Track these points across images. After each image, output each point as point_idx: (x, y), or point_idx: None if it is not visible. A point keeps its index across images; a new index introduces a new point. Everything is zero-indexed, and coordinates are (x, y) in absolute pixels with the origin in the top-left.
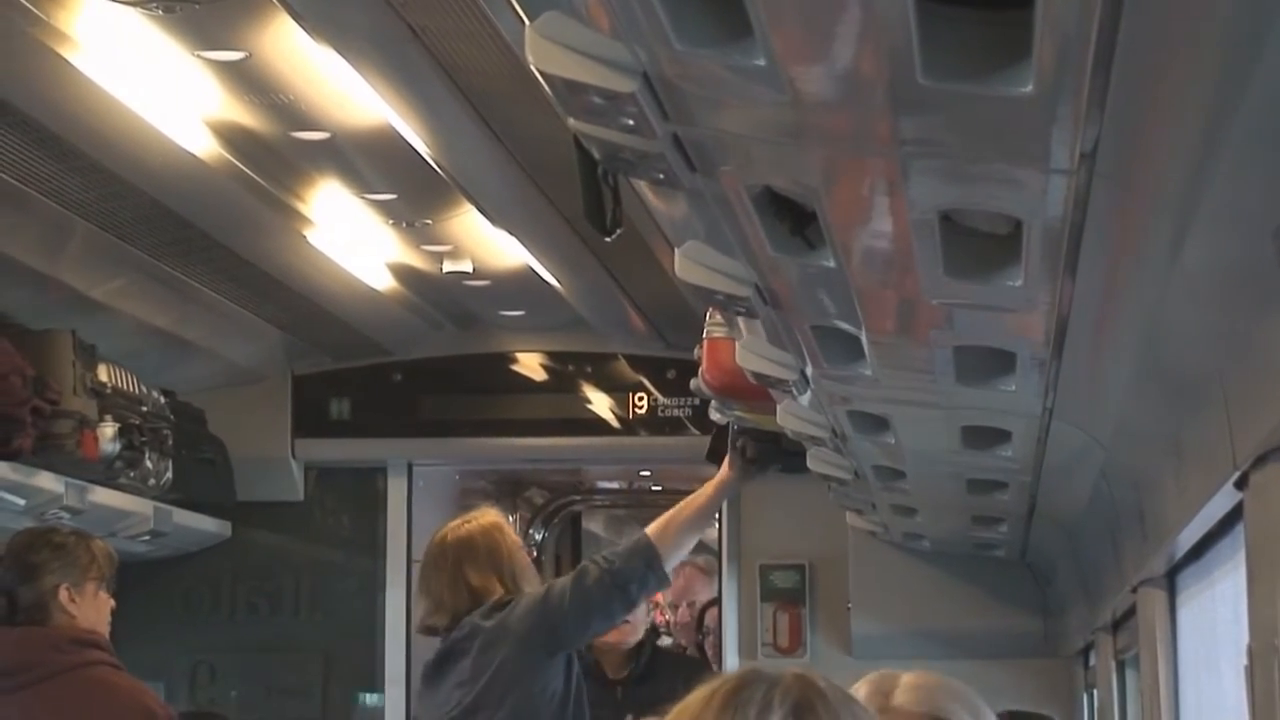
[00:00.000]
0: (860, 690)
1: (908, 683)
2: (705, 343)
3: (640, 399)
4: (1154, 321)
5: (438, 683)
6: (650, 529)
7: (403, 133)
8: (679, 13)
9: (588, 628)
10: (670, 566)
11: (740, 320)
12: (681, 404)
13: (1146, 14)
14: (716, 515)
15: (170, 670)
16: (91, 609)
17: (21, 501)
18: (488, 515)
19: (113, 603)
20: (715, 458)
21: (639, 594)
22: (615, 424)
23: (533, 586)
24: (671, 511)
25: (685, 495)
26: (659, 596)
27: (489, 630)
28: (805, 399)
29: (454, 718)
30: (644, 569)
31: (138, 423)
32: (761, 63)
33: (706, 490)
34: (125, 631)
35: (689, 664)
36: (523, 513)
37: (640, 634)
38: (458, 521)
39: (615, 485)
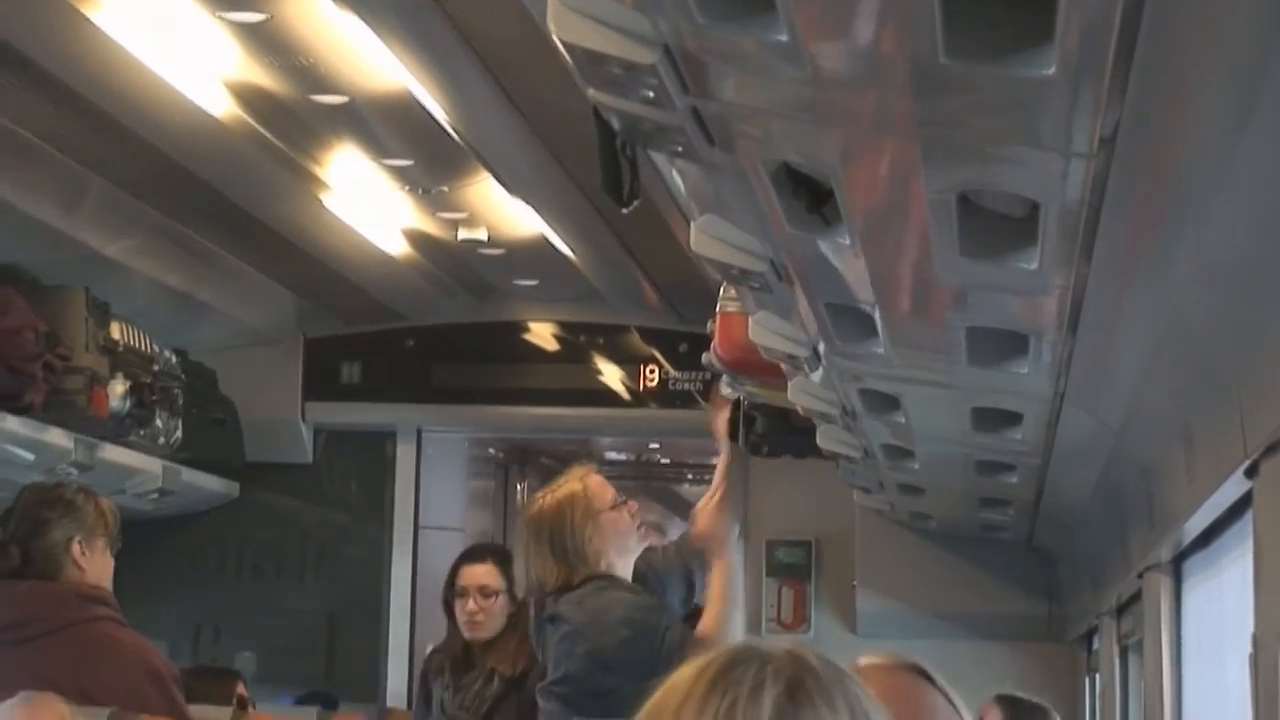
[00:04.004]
0: None
1: (870, 652)
2: (718, 317)
3: (651, 371)
4: (1168, 308)
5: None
6: (705, 622)
7: (421, 99)
8: None
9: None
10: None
11: (754, 295)
12: (693, 378)
13: (1169, 1)
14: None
15: (174, 629)
16: (100, 565)
17: (31, 457)
18: (565, 485)
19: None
20: (735, 439)
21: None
22: (626, 396)
23: (618, 550)
24: (718, 603)
25: (693, 469)
26: None
27: (580, 625)
28: (817, 376)
29: (539, 688)
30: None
31: (149, 381)
32: (783, 38)
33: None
34: (130, 589)
35: None
36: (530, 482)
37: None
38: (541, 493)
39: (624, 457)
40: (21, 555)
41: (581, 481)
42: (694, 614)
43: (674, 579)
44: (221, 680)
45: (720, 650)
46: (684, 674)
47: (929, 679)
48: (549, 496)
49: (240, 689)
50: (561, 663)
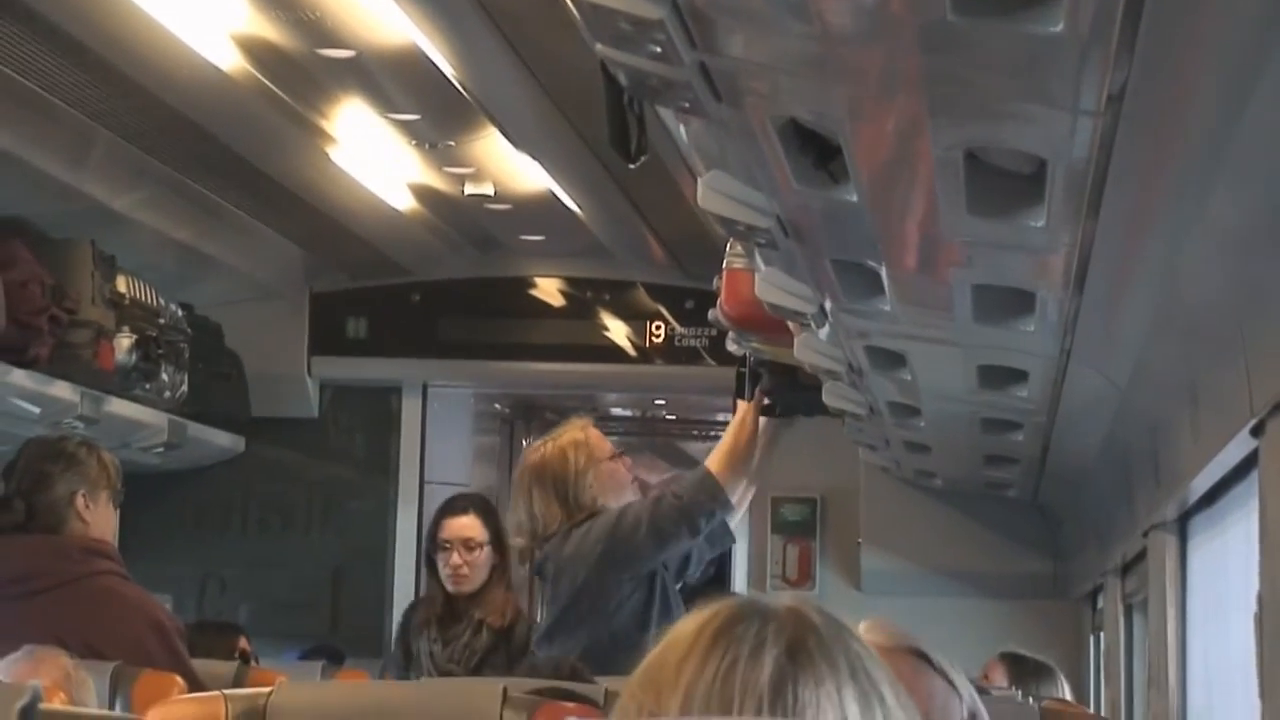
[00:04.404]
0: None
1: (870, 624)
2: (725, 273)
3: (658, 328)
4: (1175, 266)
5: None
6: (710, 460)
7: (428, 53)
8: None
9: (660, 554)
10: (735, 495)
11: (760, 252)
12: (699, 334)
13: None
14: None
15: (179, 583)
16: (103, 518)
17: (37, 410)
18: (568, 433)
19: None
20: (741, 396)
21: (706, 524)
22: (632, 352)
23: (615, 499)
24: (726, 441)
25: (699, 425)
26: None
27: (565, 556)
28: (823, 333)
29: (537, 639)
30: (709, 501)
31: (155, 335)
32: None
33: (744, 419)
34: (136, 543)
35: None
36: (535, 437)
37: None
38: (540, 441)
39: (629, 413)
40: (27, 509)
41: (583, 431)
42: (692, 590)
43: (674, 559)
44: (224, 634)
45: (722, 605)
46: (686, 627)
47: (928, 660)
48: (551, 444)
49: (242, 643)
50: (559, 598)
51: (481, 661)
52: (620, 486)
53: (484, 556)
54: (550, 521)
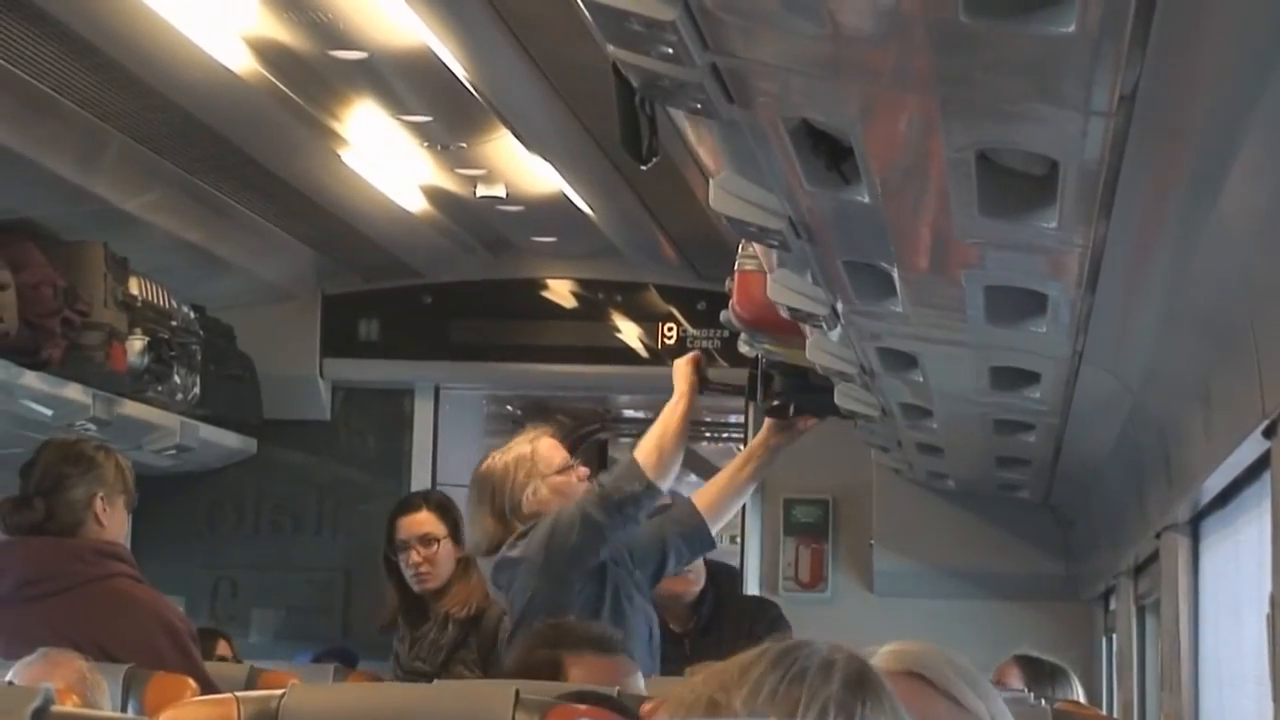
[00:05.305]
0: None
1: (886, 649)
2: (737, 275)
3: (669, 329)
4: (1187, 267)
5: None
6: (638, 447)
7: (440, 55)
8: None
9: (599, 545)
10: (665, 481)
11: (772, 253)
12: (711, 335)
13: None
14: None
15: (192, 585)
16: (117, 522)
17: (49, 412)
18: (516, 446)
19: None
20: (753, 397)
21: (636, 512)
22: (644, 353)
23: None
24: (655, 427)
25: (711, 426)
26: None
27: (513, 561)
28: (835, 334)
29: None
30: (631, 485)
31: (167, 337)
32: None
33: (677, 406)
34: (148, 545)
35: (756, 609)
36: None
37: (701, 583)
38: (495, 452)
39: (641, 414)
40: (47, 509)
41: (531, 444)
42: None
43: (649, 558)
44: (204, 638)
45: (778, 642)
46: (745, 654)
47: (930, 683)
48: (498, 457)
49: (222, 647)
50: (518, 599)
51: (449, 657)
52: (570, 499)
53: (443, 551)
54: (482, 539)
